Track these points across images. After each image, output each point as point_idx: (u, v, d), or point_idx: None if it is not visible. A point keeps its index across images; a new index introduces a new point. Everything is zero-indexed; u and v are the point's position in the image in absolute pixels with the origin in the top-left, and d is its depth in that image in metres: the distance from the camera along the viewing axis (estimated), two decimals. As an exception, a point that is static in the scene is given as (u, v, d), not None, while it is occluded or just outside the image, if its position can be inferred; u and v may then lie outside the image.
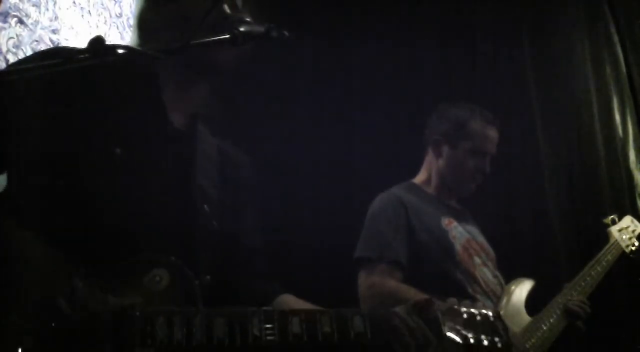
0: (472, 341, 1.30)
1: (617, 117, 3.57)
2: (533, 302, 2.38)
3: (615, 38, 3.70)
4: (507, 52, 3.68)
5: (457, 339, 1.30)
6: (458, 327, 1.31)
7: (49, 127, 1.23)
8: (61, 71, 1.04)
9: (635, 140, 3.53)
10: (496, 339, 1.33)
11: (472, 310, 1.35)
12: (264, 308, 1.23)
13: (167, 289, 1.20)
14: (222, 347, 1.15)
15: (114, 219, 1.23)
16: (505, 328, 1.37)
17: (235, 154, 1.60)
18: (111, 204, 1.24)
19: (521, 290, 2.39)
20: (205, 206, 1.39)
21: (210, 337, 1.15)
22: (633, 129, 3.54)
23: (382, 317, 1.28)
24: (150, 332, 1.11)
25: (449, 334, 1.29)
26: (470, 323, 1.33)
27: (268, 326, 1.19)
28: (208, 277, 1.33)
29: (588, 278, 2.47)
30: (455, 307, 1.33)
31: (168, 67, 1.37)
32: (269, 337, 1.17)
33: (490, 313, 1.37)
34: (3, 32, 2.17)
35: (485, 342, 1.31)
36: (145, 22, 1.46)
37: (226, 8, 1.37)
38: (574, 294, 2.42)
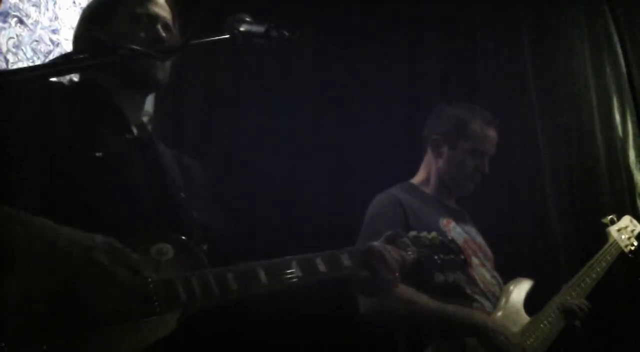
0: (436, 258, 1.68)
1: (617, 117, 3.57)
2: (532, 303, 2.38)
3: (615, 38, 3.70)
4: (507, 52, 3.68)
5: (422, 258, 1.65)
6: (422, 250, 1.66)
7: (40, 132, 1.35)
8: (38, 88, 1.23)
9: (635, 140, 3.52)
10: (452, 256, 1.72)
11: (432, 235, 1.71)
12: (266, 261, 1.38)
13: (174, 258, 1.30)
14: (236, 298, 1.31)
15: (104, 212, 1.33)
16: (458, 247, 1.77)
17: (187, 160, 1.76)
18: (98, 199, 1.35)
19: (520, 290, 2.39)
20: (182, 193, 1.56)
21: (226, 291, 1.28)
22: (633, 129, 3.54)
23: (363, 250, 1.54)
24: (174, 295, 1.23)
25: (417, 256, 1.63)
26: (432, 246, 1.70)
27: (274, 273, 1.36)
28: (206, 246, 1.46)
29: (587, 278, 2.47)
30: (417, 235, 1.69)
31: (113, 83, 1.54)
32: (276, 284, 1.36)
33: (447, 238, 1.77)
34: (3, 32, 2.18)
35: (445, 259, 1.70)
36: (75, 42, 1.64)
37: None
38: (573, 294, 2.42)
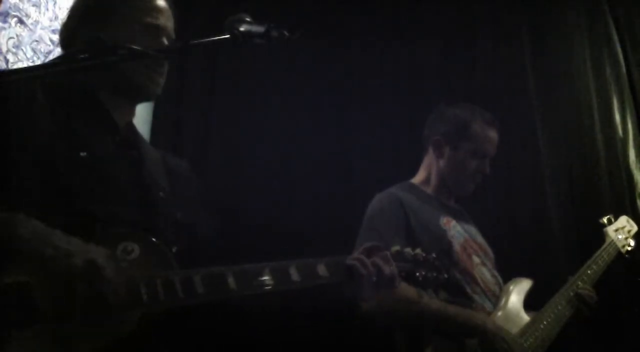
0: (417, 275, 1.62)
1: (617, 117, 3.57)
2: (532, 302, 2.38)
3: (615, 38, 3.70)
4: (507, 52, 3.68)
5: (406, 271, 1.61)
6: (403, 265, 1.61)
7: (25, 130, 1.36)
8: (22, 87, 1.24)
9: (635, 140, 3.52)
10: (434, 274, 1.65)
11: (416, 251, 1.65)
12: (237, 266, 1.35)
13: (140, 258, 1.28)
14: (203, 302, 1.29)
15: (82, 209, 1.34)
16: (443, 266, 1.71)
17: (176, 160, 1.77)
18: (76, 198, 1.35)
19: (520, 290, 2.39)
20: (161, 193, 1.55)
21: (192, 294, 1.26)
22: (633, 129, 3.54)
23: (341, 261, 1.51)
24: (135, 294, 1.21)
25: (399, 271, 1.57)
26: (415, 262, 1.64)
27: (244, 279, 1.33)
28: (175, 248, 1.43)
29: (585, 278, 2.48)
30: (400, 250, 1.63)
31: (105, 85, 1.54)
32: (245, 290, 1.32)
33: (431, 254, 1.68)
34: (3, 32, 2.18)
35: (427, 276, 1.64)
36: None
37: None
38: (571, 293, 2.42)
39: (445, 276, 1.72)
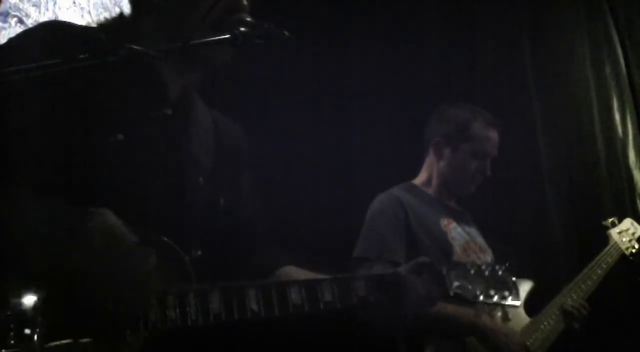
0: (481, 298, 1.31)
1: (617, 117, 3.57)
2: (532, 303, 2.38)
3: (615, 38, 3.70)
4: (507, 52, 3.68)
5: (466, 296, 1.31)
6: (466, 283, 1.31)
7: (52, 116, 1.20)
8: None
9: (635, 140, 3.53)
10: (506, 294, 1.34)
11: (478, 263, 1.35)
12: (260, 281, 1.20)
13: (155, 268, 1.14)
14: (220, 323, 1.13)
15: (114, 200, 1.20)
16: (514, 282, 1.38)
17: (229, 123, 1.59)
18: (111, 186, 1.22)
19: (520, 290, 2.39)
20: (201, 178, 1.38)
21: (206, 314, 1.11)
22: (633, 129, 3.54)
23: (383, 279, 1.28)
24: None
25: (457, 291, 1.30)
26: (478, 278, 1.32)
27: (266, 299, 1.15)
28: (199, 252, 1.30)
29: (588, 280, 2.48)
30: (460, 261, 1.37)
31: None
32: (268, 312, 1.15)
33: (498, 266, 1.37)
34: (3, 32, 2.17)
35: (496, 298, 1.33)
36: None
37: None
38: (574, 295, 2.42)
39: (515, 293, 1.45)
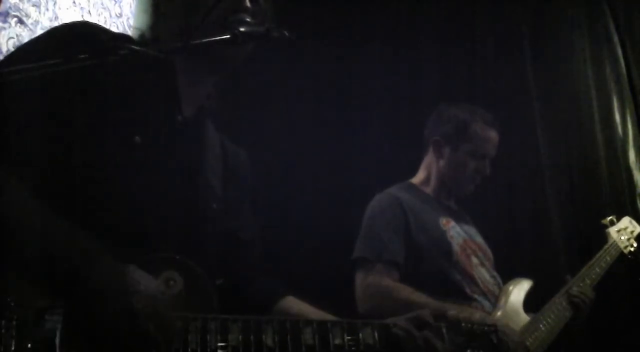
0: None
1: (617, 117, 3.58)
2: (531, 303, 2.38)
3: (615, 38, 3.70)
4: (507, 52, 3.68)
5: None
6: (458, 341, 1.39)
7: (66, 117, 1.18)
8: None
9: (635, 140, 3.53)
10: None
11: (470, 323, 1.43)
12: (278, 318, 1.24)
13: (180, 293, 1.14)
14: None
15: (129, 215, 1.18)
16: (500, 339, 1.46)
17: (234, 148, 1.58)
18: (128, 198, 1.19)
19: (519, 290, 2.39)
20: (214, 204, 1.38)
21: (225, 346, 1.13)
22: (633, 129, 3.55)
23: (389, 328, 1.32)
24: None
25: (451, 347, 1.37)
26: (470, 336, 1.41)
27: (282, 336, 1.20)
28: (221, 281, 1.30)
29: (587, 279, 2.48)
30: (455, 317, 1.43)
31: (181, 57, 1.34)
32: (282, 349, 1.19)
33: (486, 326, 1.46)
34: (3, 32, 2.17)
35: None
36: (156, 6, 1.38)
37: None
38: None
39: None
